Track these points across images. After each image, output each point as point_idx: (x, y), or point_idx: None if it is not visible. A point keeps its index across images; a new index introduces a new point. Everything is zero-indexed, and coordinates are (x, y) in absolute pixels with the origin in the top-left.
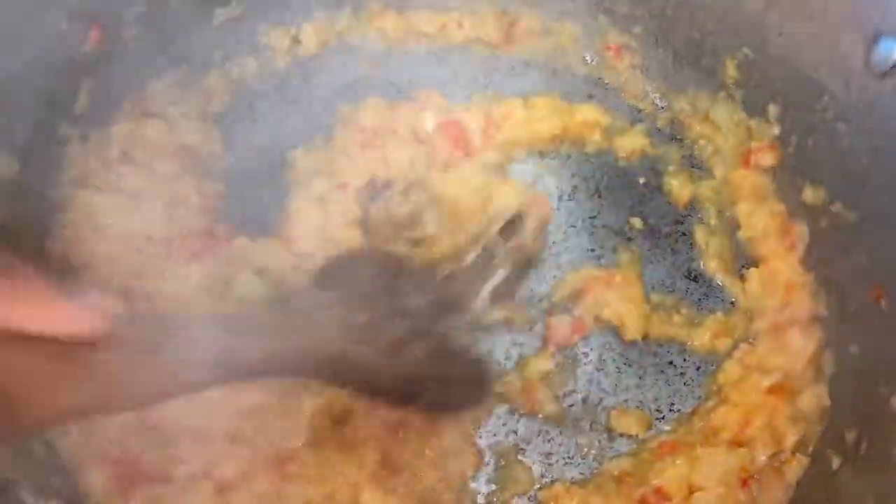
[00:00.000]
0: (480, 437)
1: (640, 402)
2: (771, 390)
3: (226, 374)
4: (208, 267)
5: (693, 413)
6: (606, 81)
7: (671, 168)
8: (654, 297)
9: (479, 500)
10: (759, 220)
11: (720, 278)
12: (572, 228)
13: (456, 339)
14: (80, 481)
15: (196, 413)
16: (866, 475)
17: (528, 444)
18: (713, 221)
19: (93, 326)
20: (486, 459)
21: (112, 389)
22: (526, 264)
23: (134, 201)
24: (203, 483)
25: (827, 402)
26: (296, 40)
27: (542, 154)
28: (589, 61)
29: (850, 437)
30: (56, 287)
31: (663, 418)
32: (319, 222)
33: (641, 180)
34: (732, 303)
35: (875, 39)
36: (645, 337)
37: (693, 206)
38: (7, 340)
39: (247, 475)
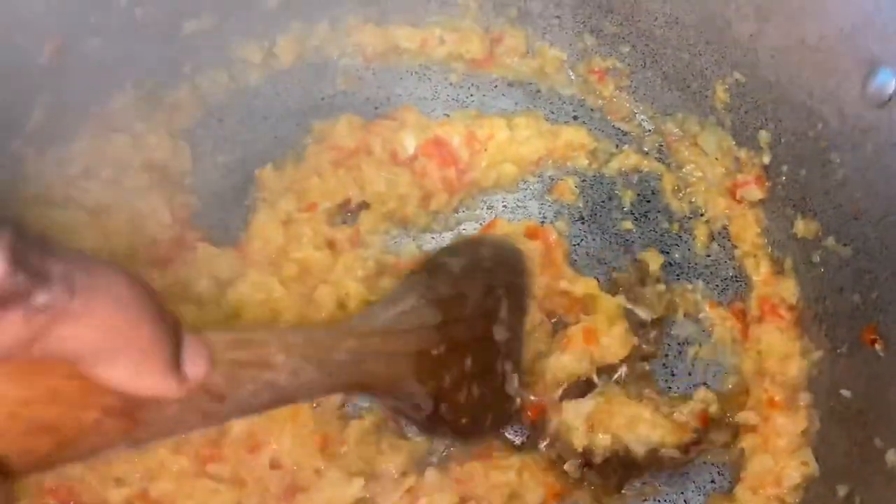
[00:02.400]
0: None
1: None
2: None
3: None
4: (171, 273)
5: None
6: (591, 104)
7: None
8: None
9: None
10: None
11: (707, 312)
12: None
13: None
14: None
15: None
16: None
17: None
18: (700, 251)
19: (179, 391)
20: None
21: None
22: None
23: (96, 217)
24: None
25: (814, 469)
26: (269, 53)
27: (524, 178)
28: (573, 80)
29: (842, 492)
30: (164, 345)
31: None
32: (282, 243)
33: (627, 206)
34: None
35: (872, 69)
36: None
37: (680, 234)
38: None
39: (182, 488)
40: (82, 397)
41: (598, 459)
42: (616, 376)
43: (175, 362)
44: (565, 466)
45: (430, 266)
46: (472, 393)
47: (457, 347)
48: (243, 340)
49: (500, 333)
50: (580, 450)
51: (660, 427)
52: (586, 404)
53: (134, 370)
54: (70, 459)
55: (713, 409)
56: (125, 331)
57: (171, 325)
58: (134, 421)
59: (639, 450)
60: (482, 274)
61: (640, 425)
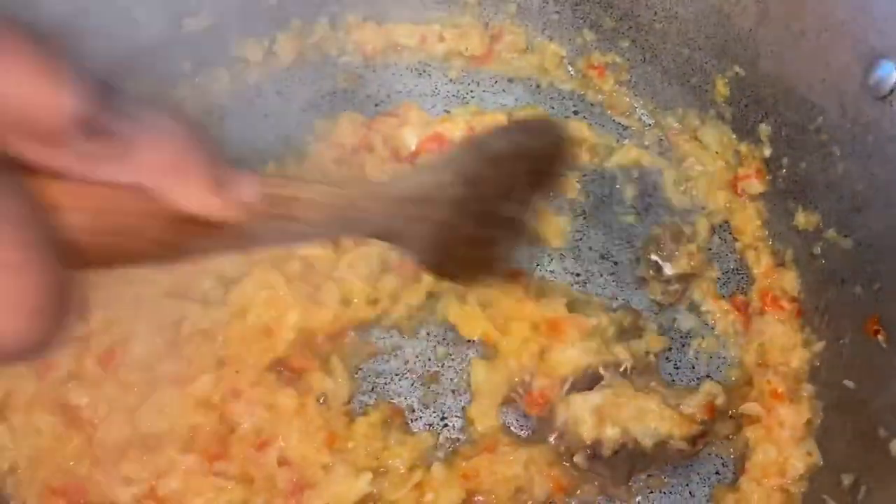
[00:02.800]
0: None
1: None
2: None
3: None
4: (176, 271)
5: None
6: (591, 99)
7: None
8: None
9: None
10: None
11: (709, 305)
12: (556, 251)
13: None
14: None
15: (147, 417)
16: None
17: None
18: (702, 244)
19: (234, 216)
20: None
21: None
22: None
23: None
24: None
25: (818, 459)
26: (270, 52)
27: None
28: (573, 75)
29: (847, 481)
30: (217, 169)
31: None
32: None
33: (628, 199)
34: (713, 328)
35: (873, 62)
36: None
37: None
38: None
39: (190, 486)
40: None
41: (607, 452)
42: (622, 369)
43: (220, 184)
44: (574, 458)
45: (472, 145)
46: (480, 252)
47: (475, 220)
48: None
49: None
50: (589, 442)
51: (667, 419)
52: (594, 397)
53: (185, 192)
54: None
55: (720, 401)
56: (179, 158)
57: (214, 154)
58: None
59: (647, 442)
60: (523, 162)
61: (648, 417)
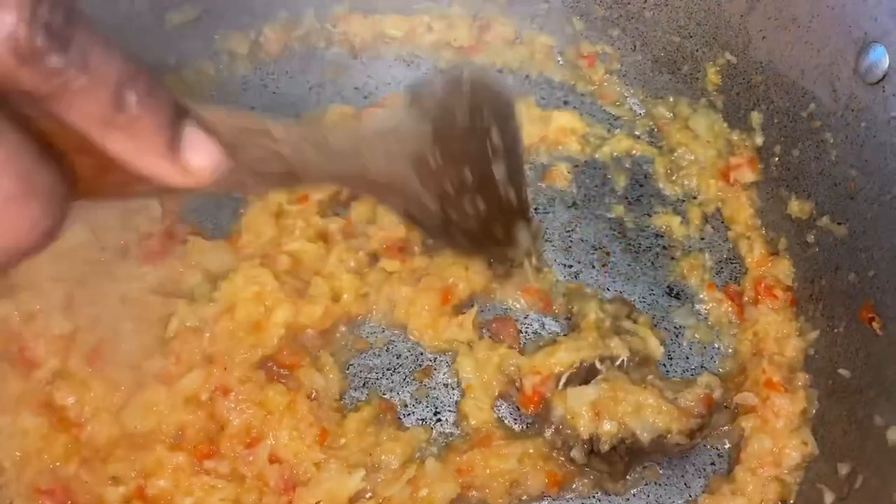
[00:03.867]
0: None
1: None
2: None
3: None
4: (163, 267)
5: None
6: (582, 89)
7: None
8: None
9: None
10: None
11: (702, 295)
12: (548, 243)
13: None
14: None
15: (134, 416)
16: None
17: None
18: (694, 233)
19: (189, 184)
20: None
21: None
22: None
23: (84, 212)
24: None
25: (814, 448)
26: (256, 44)
27: None
28: (563, 65)
29: (843, 470)
30: (173, 139)
31: None
32: (274, 235)
33: (620, 189)
34: (706, 318)
35: (866, 47)
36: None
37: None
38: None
39: (180, 485)
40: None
41: (604, 447)
42: (619, 362)
43: (172, 148)
44: (571, 453)
45: (412, 95)
46: (477, 205)
47: (453, 159)
48: (243, 122)
49: (497, 162)
50: (586, 437)
51: (665, 413)
52: (590, 391)
53: (133, 149)
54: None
55: (717, 394)
56: (124, 112)
57: (168, 112)
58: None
59: (645, 437)
60: (467, 99)
61: (646, 412)
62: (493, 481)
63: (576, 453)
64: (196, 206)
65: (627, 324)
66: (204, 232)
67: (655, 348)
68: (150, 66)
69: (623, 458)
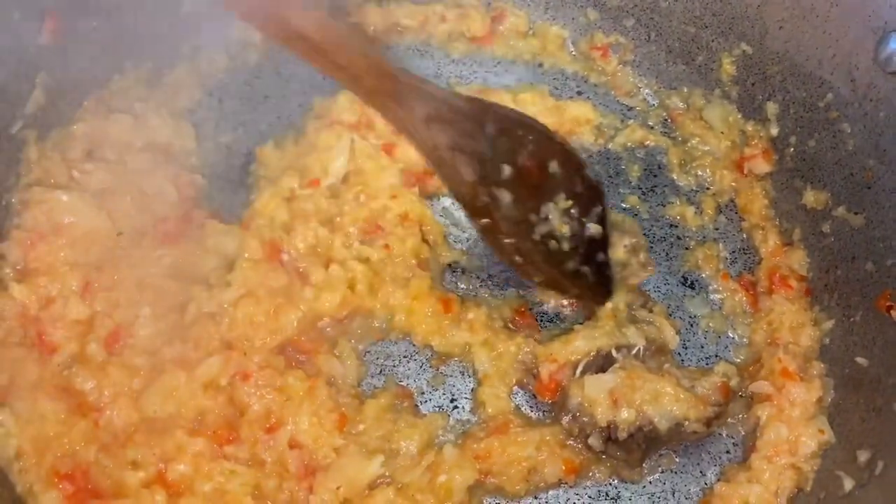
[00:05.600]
0: None
1: None
2: None
3: None
4: (179, 250)
5: None
6: (595, 79)
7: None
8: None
9: None
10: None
11: (716, 285)
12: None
13: None
14: None
15: (153, 401)
16: (884, 499)
17: None
18: (708, 223)
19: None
20: None
21: None
22: None
23: (100, 198)
24: (155, 492)
25: (830, 436)
26: None
27: None
28: (576, 56)
29: (863, 457)
30: None
31: None
32: (286, 220)
33: (634, 179)
34: (721, 307)
35: (885, 36)
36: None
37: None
38: None
39: (200, 470)
40: None
41: (622, 434)
42: (635, 351)
43: None
44: (589, 440)
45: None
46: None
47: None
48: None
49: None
50: (604, 424)
51: (683, 402)
52: (608, 379)
53: None
54: None
55: (734, 382)
56: None
57: None
58: None
59: (663, 425)
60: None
61: (664, 400)
62: (510, 468)
63: (593, 441)
64: (209, 192)
65: (643, 313)
66: (219, 216)
67: (671, 337)
68: (164, 54)
69: (640, 445)
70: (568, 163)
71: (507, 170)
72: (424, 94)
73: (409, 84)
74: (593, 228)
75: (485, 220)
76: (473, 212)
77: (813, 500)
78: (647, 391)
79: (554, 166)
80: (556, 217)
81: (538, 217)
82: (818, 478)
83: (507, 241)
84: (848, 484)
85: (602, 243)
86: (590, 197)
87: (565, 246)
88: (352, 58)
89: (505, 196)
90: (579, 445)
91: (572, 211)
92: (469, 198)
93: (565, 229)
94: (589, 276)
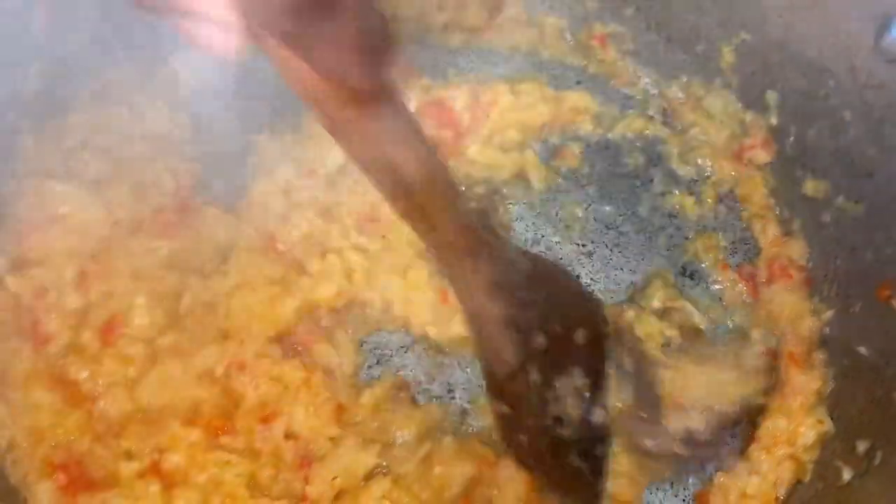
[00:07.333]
0: None
1: None
2: None
3: None
4: (177, 240)
5: None
6: (594, 69)
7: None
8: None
9: None
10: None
11: (716, 275)
12: (561, 222)
13: None
14: (28, 499)
15: (148, 391)
16: (882, 489)
17: None
18: (707, 213)
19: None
20: None
21: None
22: None
23: (97, 187)
24: (150, 482)
25: (829, 426)
26: None
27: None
28: (574, 47)
29: (862, 447)
30: None
31: None
32: (283, 211)
33: (633, 169)
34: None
35: (886, 23)
36: None
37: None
38: None
39: (195, 460)
40: None
41: (702, 436)
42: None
43: None
44: (675, 449)
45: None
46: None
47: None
48: None
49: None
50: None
51: (737, 382)
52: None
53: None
54: None
55: (773, 342)
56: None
57: None
58: None
59: (730, 409)
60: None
61: (722, 387)
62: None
63: (679, 449)
64: (206, 182)
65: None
66: (216, 206)
67: (700, 318)
68: (160, 44)
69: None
70: (593, 333)
71: (540, 339)
72: (496, 252)
73: (486, 241)
74: (599, 416)
75: (505, 409)
76: (500, 396)
77: (811, 490)
78: (701, 384)
79: (580, 336)
80: (568, 395)
81: (553, 394)
82: (816, 468)
83: (521, 436)
84: (846, 474)
85: (602, 437)
86: (601, 373)
87: (570, 433)
88: (448, 218)
89: (535, 376)
90: None
91: (585, 393)
92: (501, 381)
93: (575, 413)
94: (585, 473)
